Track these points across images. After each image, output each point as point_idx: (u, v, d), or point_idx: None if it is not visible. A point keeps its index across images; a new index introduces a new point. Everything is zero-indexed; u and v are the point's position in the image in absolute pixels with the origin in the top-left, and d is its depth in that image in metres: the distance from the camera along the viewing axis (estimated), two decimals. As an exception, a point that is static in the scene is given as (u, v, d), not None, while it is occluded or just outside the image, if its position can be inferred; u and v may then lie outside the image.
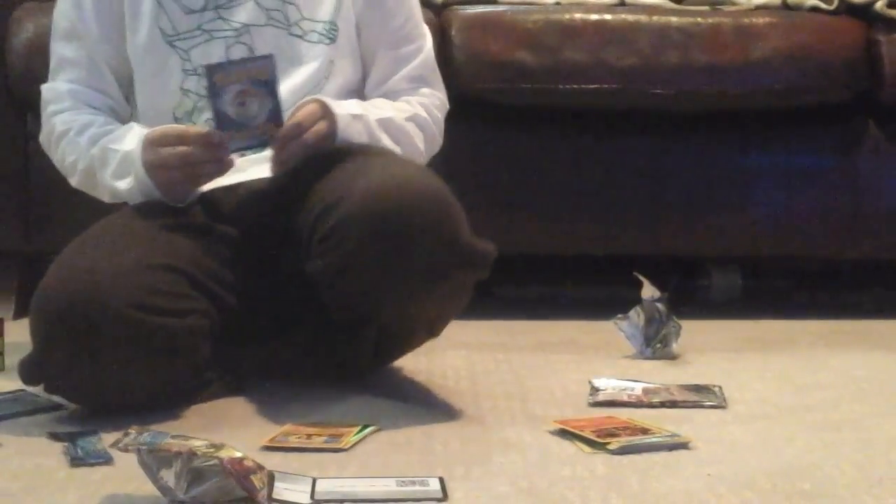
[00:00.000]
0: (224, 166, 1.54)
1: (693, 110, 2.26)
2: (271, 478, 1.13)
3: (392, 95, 1.71)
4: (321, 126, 1.56)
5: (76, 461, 1.26)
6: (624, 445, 1.31)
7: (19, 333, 2.00)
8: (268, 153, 1.57)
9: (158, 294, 1.43)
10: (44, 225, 2.25)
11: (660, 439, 1.34)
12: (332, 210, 1.45)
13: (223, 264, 1.56)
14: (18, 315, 2.26)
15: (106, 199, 1.67)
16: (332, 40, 1.68)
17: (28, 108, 2.24)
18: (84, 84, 1.68)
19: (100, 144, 1.61)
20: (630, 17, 2.25)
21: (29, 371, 1.45)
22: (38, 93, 2.17)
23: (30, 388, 1.59)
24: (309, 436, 1.35)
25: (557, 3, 2.30)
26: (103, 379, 1.42)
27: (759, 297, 2.54)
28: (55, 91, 1.69)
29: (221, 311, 1.52)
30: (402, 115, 1.67)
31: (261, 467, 1.12)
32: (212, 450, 1.10)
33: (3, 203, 2.24)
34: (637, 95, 2.22)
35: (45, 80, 2.16)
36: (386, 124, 1.63)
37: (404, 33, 1.73)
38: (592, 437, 1.34)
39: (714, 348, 1.97)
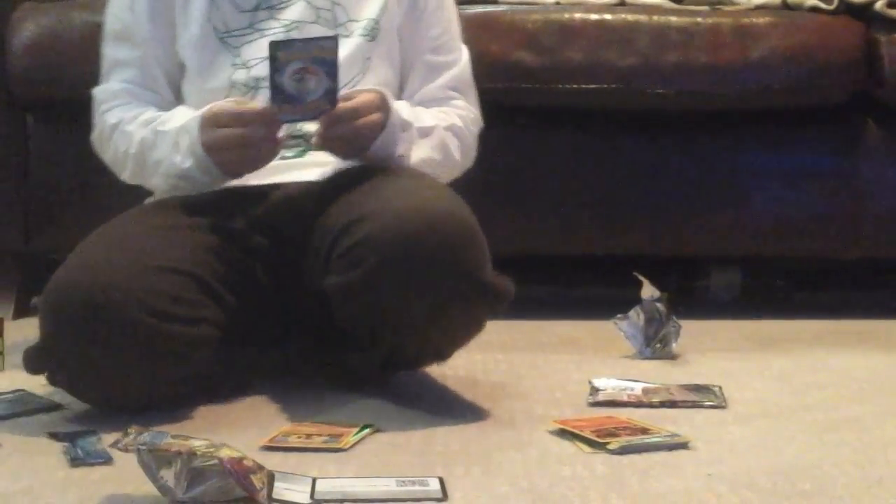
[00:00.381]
0: (278, 146, 1.54)
1: (693, 110, 2.26)
2: (271, 478, 1.13)
3: (427, 104, 1.72)
4: (375, 117, 1.56)
5: (76, 461, 1.26)
6: (624, 445, 1.31)
7: (19, 333, 2.00)
8: (310, 158, 1.59)
9: (171, 300, 1.43)
10: (44, 225, 2.25)
11: (660, 439, 1.34)
12: (355, 227, 1.44)
13: (239, 269, 1.55)
14: (18, 315, 2.26)
15: (159, 182, 1.65)
16: (373, 38, 1.69)
17: (28, 108, 2.24)
18: (137, 84, 1.69)
19: (150, 128, 1.62)
20: (630, 17, 2.25)
21: (33, 361, 1.45)
22: (38, 93, 2.20)
23: (28, 387, 1.59)
24: (309, 436, 1.35)
25: (557, 3, 2.30)
26: (107, 377, 1.41)
27: (759, 297, 2.54)
28: (108, 91, 1.71)
29: (232, 317, 1.52)
30: (441, 123, 1.68)
31: (261, 467, 1.12)
32: (212, 450, 1.10)
33: (3, 203, 2.24)
34: (637, 95, 2.22)
35: (44, 80, 2.18)
36: (427, 133, 1.65)
37: (440, 43, 1.75)
38: (592, 437, 1.34)
39: (714, 348, 1.97)
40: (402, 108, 1.62)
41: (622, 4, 2.30)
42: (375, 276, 1.41)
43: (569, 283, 2.65)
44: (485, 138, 1.86)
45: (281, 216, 1.60)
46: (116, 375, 1.41)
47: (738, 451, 1.33)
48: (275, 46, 1.50)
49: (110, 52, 1.72)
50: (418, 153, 1.65)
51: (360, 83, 1.66)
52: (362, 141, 1.56)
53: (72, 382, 1.45)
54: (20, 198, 2.24)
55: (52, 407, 1.51)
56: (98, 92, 1.72)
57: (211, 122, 1.54)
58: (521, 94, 2.21)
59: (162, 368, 1.44)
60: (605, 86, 2.21)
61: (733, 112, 2.28)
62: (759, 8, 2.32)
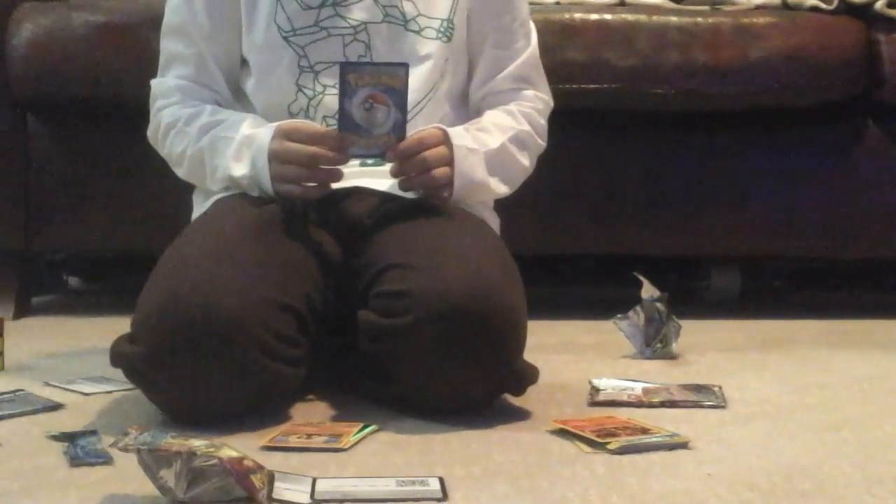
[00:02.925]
0: (339, 175, 1.53)
1: (693, 110, 2.26)
2: (271, 478, 1.13)
3: (493, 97, 1.71)
4: (442, 149, 1.55)
5: (76, 461, 1.26)
6: (624, 445, 1.31)
7: (19, 333, 2.00)
8: (387, 167, 1.56)
9: (279, 338, 1.41)
10: (44, 225, 2.25)
11: (660, 439, 1.34)
12: (401, 272, 1.44)
13: (321, 291, 1.52)
14: (18, 315, 2.26)
15: (215, 187, 1.63)
16: (449, 39, 1.67)
17: (28, 108, 2.24)
18: (191, 80, 1.68)
19: (210, 135, 1.61)
20: (630, 17, 2.26)
21: (124, 359, 1.41)
22: (38, 93, 2.20)
23: (28, 387, 1.59)
24: (309, 436, 1.35)
25: (557, 3, 2.30)
26: (201, 397, 1.39)
27: (759, 297, 2.55)
28: (164, 86, 1.69)
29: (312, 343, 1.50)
30: (506, 136, 1.66)
31: (261, 467, 1.12)
32: (212, 450, 1.10)
33: (3, 203, 2.24)
34: (637, 95, 2.22)
35: (44, 80, 2.18)
36: (493, 157, 1.62)
37: (511, 31, 1.73)
38: (592, 437, 1.34)
39: (714, 348, 1.97)
40: (463, 139, 1.60)
41: (622, 4, 2.30)
42: (409, 334, 1.40)
43: (569, 283, 2.65)
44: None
45: (350, 225, 1.59)
46: (209, 398, 1.39)
47: (738, 451, 1.33)
48: (345, 68, 1.49)
49: (168, 45, 1.71)
50: (494, 180, 1.64)
51: (441, 86, 1.66)
52: (436, 178, 1.55)
53: (158, 390, 1.42)
54: (20, 198, 2.24)
55: (52, 407, 1.51)
56: (154, 85, 1.71)
57: (286, 134, 1.53)
58: (521, 94, 2.21)
59: (255, 399, 1.43)
60: (605, 86, 2.22)
61: (733, 112, 2.28)
62: (759, 8, 2.32)
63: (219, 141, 1.60)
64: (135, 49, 2.12)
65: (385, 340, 1.43)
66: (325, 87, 1.63)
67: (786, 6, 2.33)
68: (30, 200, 2.24)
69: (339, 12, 1.64)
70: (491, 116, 1.69)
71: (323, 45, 1.63)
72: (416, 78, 1.62)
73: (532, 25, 1.78)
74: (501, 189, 1.68)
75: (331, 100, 1.60)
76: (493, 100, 1.72)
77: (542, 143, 1.75)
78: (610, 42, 2.22)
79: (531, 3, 2.27)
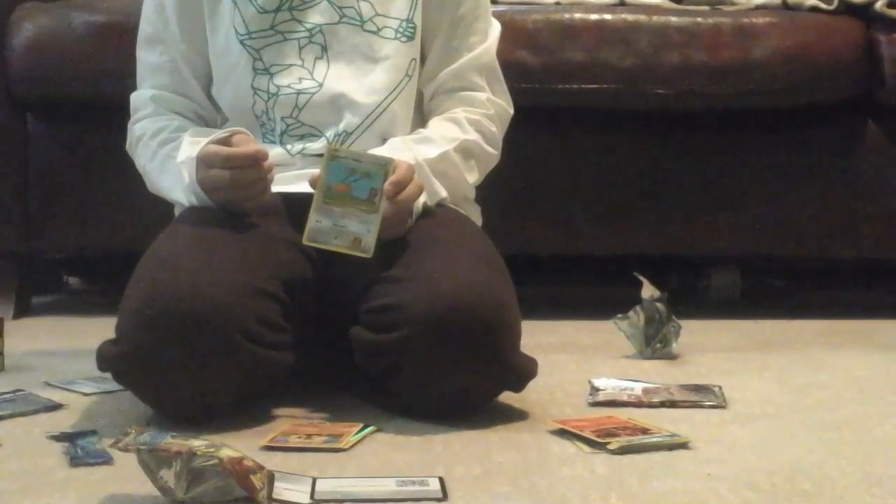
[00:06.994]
0: (268, 186, 1.52)
1: (693, 110, 2.26)
2: (271, 478, 1.13)
3: (442, 98, 1.68)
4: (416, 187, 1.50)
5: (76, 461, 1.26)
6: (624, 445, 1.31)
7: (19, 333, 2.00)
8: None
9: (263, 324, 1.41)
10: (44, 225, 2.25)
11: (660, 439, 1.34)
12: (390, 286, 1.43)
13: (304, 285, 1.52)
14: (18, 315, 2.27)
15: (183, 202, 1.63)
16: (410, 39, 1.65)
17: (28, 108, 2.24)
18: (167, 89, 1.68)
19: (165, 151, 1.62)
20: (630, 17, 2.26)
21: (106, 360, 1.42)
22: (38, 93, 2.20)
23: (28, 387, 1.59)
24: (309, 436, 1.35)
25: (557, 3, 2.31)
26: (189, 390, 1.39)
27: (759, 297, 2.54)
28: (140, 98, 1.70)
29: (297, 335, 1.50)
30: (451, 145, 1.62)
31: (261, 467, 1.12)
32: (212, 450, 1.10)
33: (3, 203, 2.24)
34: (637, 95, 2.22)
35: (44, 80, 2.18)
36: (434, 166, 1.59)
37: (465, 25, 1.69)
38: (592, 437, 1.34)
39: (714, 348, 1.97)
40: (406, 158, 1.54)
41: (622, 4, 2.30)
42: (402, 348, 1.40)
43: (569, 283, 2.65)
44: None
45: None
46: (198, 389, 1.39)
47: (738, 451, 1.33)
48: (329, 152, 1.47)
49: (143, 56, 1.71)
50: (436, 194, 1.59)
51: (408, 86, 1.64)
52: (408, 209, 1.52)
53: (147, 388, 1.42)
54: (20, 198, 2.24)
55: (52, 407, 1.51)
56: (132, 98, 1.71)
57: (204, 163, 1.52)
58: (521, 94, 2.20)
59: (244, 387, 1.43)
60: (605, 86, 2.22)
61: (733, 112, 2.28)
62: (759, 8, 2.32)
63: (168, 162, 1.61)
64: (135, 49, 2.12)
65: (380, 356, 1.44)
66: (279, 87, 1.62)
67: (786, 6, 2.33)
68: (30, 200, 2.24)
69: (295, 16, 1.63)
70: (435, 126, 1.65)
71: (278, 49, 1.63)
72: (376, 79, 1.62)
73: (494, 26, 1.74)
74: (443, 194, 1.62)
75: (285, 99, 1.61)
76: (442, 101, 1.68)
77: (492, 151, 1.69)
78: (610, 42, 2.22)
79: (530, 4, 2.29)
